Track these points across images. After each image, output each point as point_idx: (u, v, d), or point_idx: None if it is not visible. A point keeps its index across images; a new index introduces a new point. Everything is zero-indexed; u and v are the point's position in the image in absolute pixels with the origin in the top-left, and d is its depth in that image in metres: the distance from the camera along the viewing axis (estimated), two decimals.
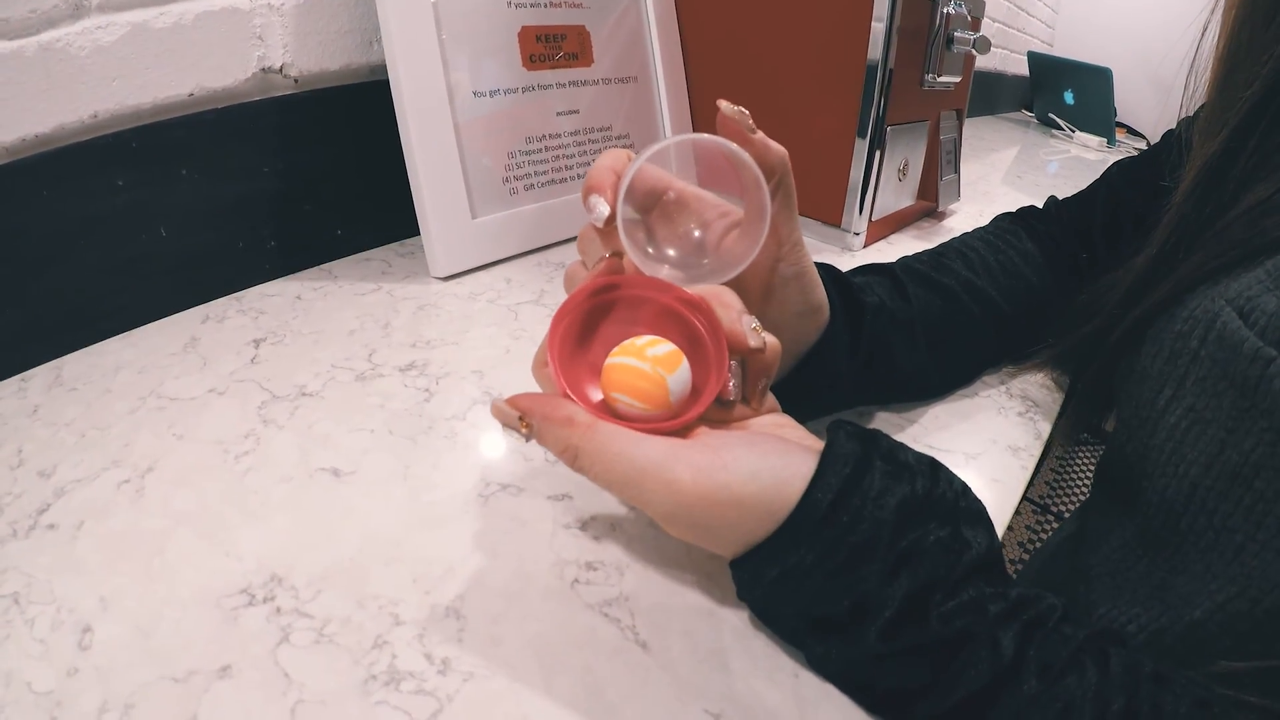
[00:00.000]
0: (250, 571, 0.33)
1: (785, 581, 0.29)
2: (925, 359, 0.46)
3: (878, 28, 0.69)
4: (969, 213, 0.99)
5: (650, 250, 0.35)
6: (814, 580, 0.28)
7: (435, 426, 0.44)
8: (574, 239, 0.48)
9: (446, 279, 0.64)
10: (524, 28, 0.67)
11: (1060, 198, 0.60)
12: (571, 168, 0.73)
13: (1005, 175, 1.38)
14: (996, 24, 2.29)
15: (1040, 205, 0.62)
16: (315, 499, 0.38)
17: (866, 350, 0.42)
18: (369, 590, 0.32)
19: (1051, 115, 2.19)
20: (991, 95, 2.34)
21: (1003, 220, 0.60)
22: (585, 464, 0.28)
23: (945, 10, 0.76)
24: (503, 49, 0.66)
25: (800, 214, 0.82)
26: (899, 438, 0.45)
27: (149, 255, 0.54)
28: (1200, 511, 0.32)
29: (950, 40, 0.78)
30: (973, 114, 2.18)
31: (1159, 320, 0.36)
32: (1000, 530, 0.39)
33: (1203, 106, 0.42)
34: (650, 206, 0.36)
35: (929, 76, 0.79)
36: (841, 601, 0.28)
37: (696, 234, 0.35)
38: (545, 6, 0.68)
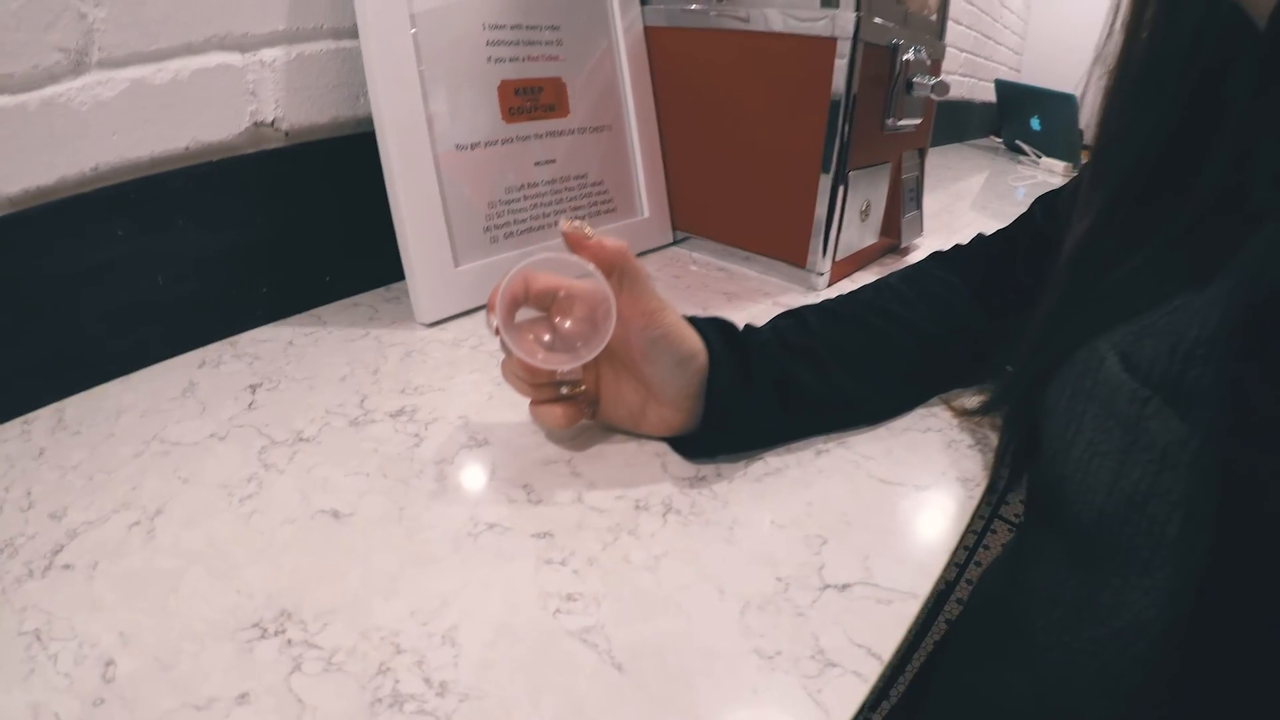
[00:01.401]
0: (261, 607, 0.35)
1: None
2: (844, 379, 0.51)
3: (840, 64, 0.72)
4: (933, 245, 0.98)
5: (547, 338, 0.45)
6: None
7: (425, 470, 0.46)
8: None
9: (431, 325, 0.66)
10: (503, 81, 0.70)
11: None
12: (549, 215, 0.75)
13: (972, 203, 1.41)
14: (964, 53, 2.34)
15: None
16: (318, 539, 0.40)
17: (767, 381, 0.48)
18: (372, 622, 0.35)
19: (1018, 141, 2.23)
20: (960, 123, 2.39)
21: (931, 255, 0.65)
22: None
23: (904, 58, 0.79)
24: (483, 103, 0.68)
25: (766, 255, 0.86)
26: (851, 472, 0.48)
27: (146, 302, 0.56)
28: (1109, 534, 0.35)
29: (910, 85, 0.82)
30: (942, 142, 2.21)
31: (1062, 364, 0.40)
32: (950, 550, 0.43)
33: (1085, 166, 0.46)
34: (548, 304, 0.45)
35: (890, 121, 0.82)
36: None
37: (570, 324, 0.46)
38: (524, 60, 0.72)
